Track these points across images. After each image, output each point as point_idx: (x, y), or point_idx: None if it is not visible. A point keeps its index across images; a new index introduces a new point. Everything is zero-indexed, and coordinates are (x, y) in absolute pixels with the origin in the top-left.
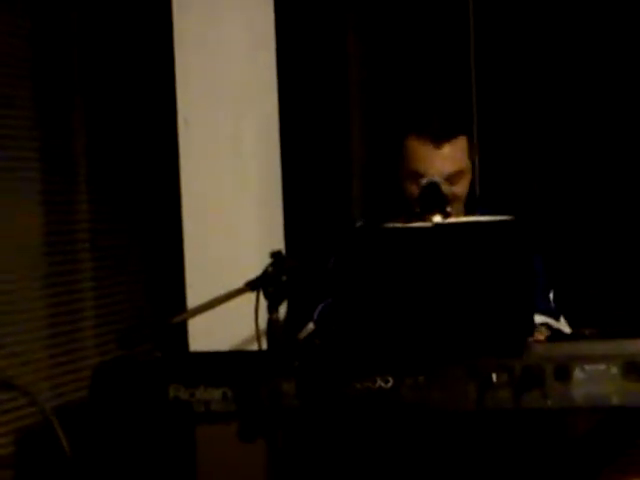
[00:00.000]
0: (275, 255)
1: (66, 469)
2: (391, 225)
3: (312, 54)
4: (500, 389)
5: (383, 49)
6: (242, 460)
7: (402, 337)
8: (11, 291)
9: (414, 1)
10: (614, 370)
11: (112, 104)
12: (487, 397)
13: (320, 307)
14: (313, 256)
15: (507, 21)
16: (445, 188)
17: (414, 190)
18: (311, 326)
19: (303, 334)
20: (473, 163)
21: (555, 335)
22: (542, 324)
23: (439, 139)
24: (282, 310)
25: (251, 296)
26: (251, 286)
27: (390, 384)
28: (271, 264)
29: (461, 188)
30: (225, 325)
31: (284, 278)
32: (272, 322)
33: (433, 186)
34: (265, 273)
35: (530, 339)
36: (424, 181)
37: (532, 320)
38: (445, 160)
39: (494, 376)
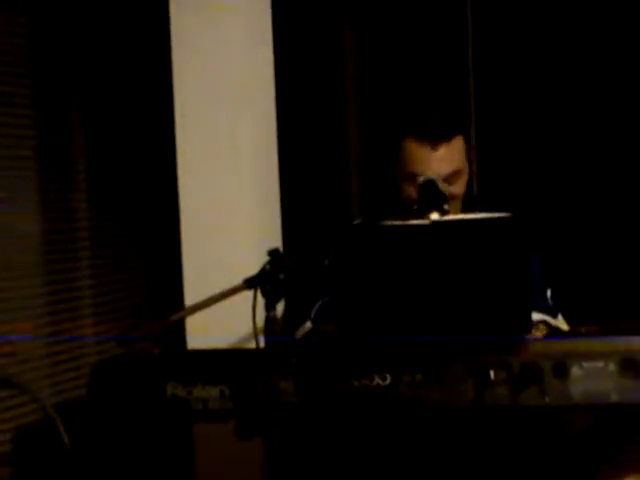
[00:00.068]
0: (272, 253)
1: (67, 465)
2: (388, 222)
3: (309, 53)
4: (498, 386)
5: (380, 48)
6: (240, 458)
7: (400, 334)
8: (10, 288)
9: (411, 0)
10: (612, 367)
11: (110, 103)
12: (485, 394)
13: (317, 305)
14: (310, 254)
15: (504, 19)
16: (442, 188)
17: (411, 191)
18: (308, 324)
19: (300, 332)
20: (470, 162)
21: (553, 332)
22: (540, 321)
23: (435, 140)
24: (279, 308)
25: (248, 294)
26: (248, 284)
27: (388, 381)
28: (268, 262)
29: (458, 188)
30: (223, 323)
31: (281, 276)
32: (269, 320)
33: (430, 184)
34: (262, 271)
35: (528, 336)
36: (421, 179)
37: (530, 317)
38: (442, 161)
39: (492, 373)
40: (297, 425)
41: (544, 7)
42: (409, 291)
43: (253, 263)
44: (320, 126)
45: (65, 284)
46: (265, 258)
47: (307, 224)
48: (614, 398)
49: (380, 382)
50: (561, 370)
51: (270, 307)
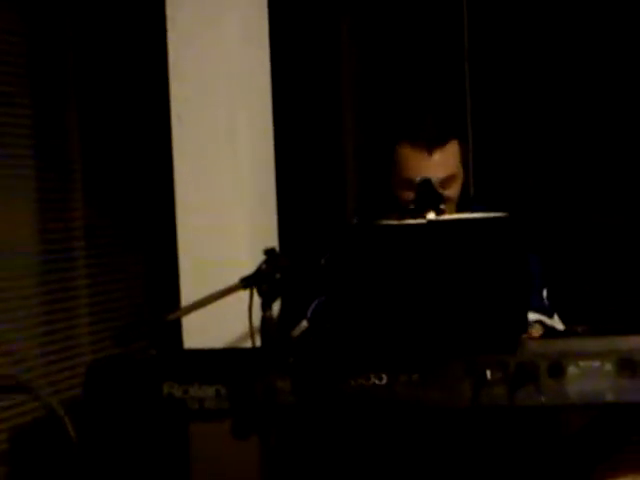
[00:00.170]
0: (269, 252)
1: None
2: (385, 222)
3: (306, 52)
4: (494, 386)
5: (376, 47)
6: (236, 457)
7: (396, 334)
8: (6, 288)
9: (408, 2)
10: (608, 367)
11: (106, 101)
12: (481, 394)
13: (314, 304)
14: (307, 254)
15: (501, 21)
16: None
17: (408, 196)
18: (305, 324)
19: (297, 332)
20: (466, 165)
21: (549, 332)
22: (536, 321)
23: (430, 146)
24: (276, 307)
25: (245, 294)
26: (245, 283)
27: (384, 381)
28: (265, 261)
29: (453, 191)
30: (219, 322)
31: (278, 276)
32: (266, 319)
33: (427, 183)
34: (259, 270)
35: (524, 336)
36: (418, 178)
37: (526, 317)
38: (437, 166)
39: (488, 373)
40: (294, 425)
41: (540, 9)
42: (405, 291)
43: (249, 263)
44: (317, 126)
45: (61, 283)
46: (261, 257)
47: (303, 224)
48: (610, 397)
49: (376, 382)
50: (557, 370)
51: (266, 306)
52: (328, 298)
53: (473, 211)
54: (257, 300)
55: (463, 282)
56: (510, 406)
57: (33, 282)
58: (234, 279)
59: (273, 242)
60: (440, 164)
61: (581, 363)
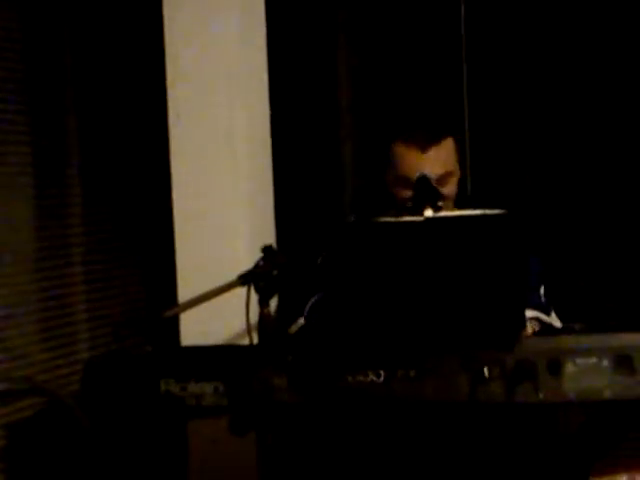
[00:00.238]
0: (266, 250)
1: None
2: (382, 219)
3: (303, 51)
4: (492, 383)
5: (373, 46)
6: (233, 454)
7: (394, 331)
8: (4, 286)
9: (405, 2)
10: (605, 363)
11: (103, 101)
12: (479, 391)
13: (311, 302)
14: (304, 251)
15: (498, 19)
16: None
17: (405, 194)
18: (302, 321)
19: (294, 329)
20: (462, 163)
21: (546, 329)
22: (533, 318)
23: (425, 143)
24: (273, 304)
25: (242, 291)
26: (242, 280)
27: (382, 378)
28: (262, 258)
29: (449, 189)
30: (216, 319)
31: (275, 272)
32: (263, 316)
33: (424, 180)
34: (256, 267)
35: (522, 333)
36: (416, 174)
37: (524, 314)
38: (432, 164)
39: (486, 370)
40: (291, 421)
41: (537, 8)
42: (403, 288)
43: (247, 260)
44: (314, 124)
45: (59, 280)
46: (259, 255)
47: (301, 221)
48: (608, 394)
49: (374, 378)
50: (555, 367)
51: (264, 303)
52: (326, 295)
53: (471, 209)
54: (254, 297)
55: (461, 279)
56: (508, 403)
57: (31, 279)
58: (231, 276)
59: (270, 240)
60: (435, 161)
61: (579, 360)
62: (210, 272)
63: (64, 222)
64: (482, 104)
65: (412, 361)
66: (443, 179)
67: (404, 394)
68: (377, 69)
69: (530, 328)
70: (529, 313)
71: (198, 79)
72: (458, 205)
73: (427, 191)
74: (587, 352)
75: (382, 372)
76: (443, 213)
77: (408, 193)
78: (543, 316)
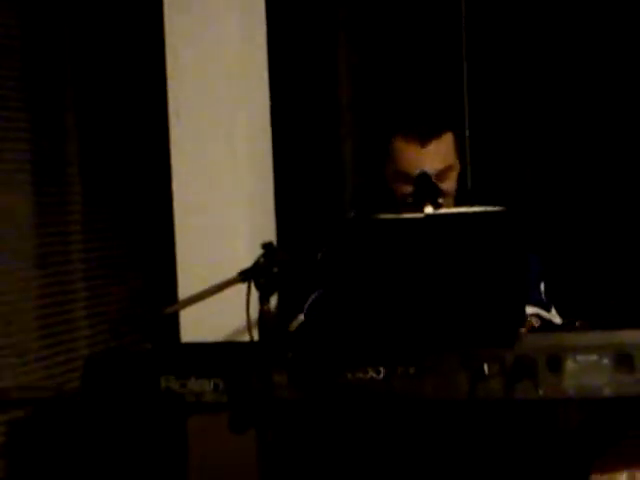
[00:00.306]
0: (266, 246)
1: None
2: (382, 216)
3: (303, 49)
4: (492, 379)
5: (374, 43)
6: (233, 451)
7: (394, 328)
8: (4, 283)
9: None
10: (606, 361)
11: (103, 99)
12: (479, 387)
13: (311, 298)
14: (304, 247)
15: (498, 13)
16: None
17: (405, 189)
18: (301, 317)
19: (294, 325)
20: (462, 158)
21: (546, 326)
22: (533, 315)
23: (424, 138)
24: (273, 301)
25: (242, 287)
26: (243, 277)
27: (382, 375)
28: (262, 255)
29: (449, 184)
30: (216, 316)
31: (275, 269)
32: (263, 313)
33: (425, 177)
34: (256, 264)
35: (522, 330)
36: (416, 171)
37: (524, 311)
38: (432, 158)
39: (486, 367)
40: (291, 418)
41: (537, 1)
42: (403, 284)
43: (247, 257)
44: (314, 122)
45: (58, 277)
46: (259, 251)
47: (301, 218)
48: (608, 392)
49: (374, 375)
50: (555, 363)
51: (264, 300)
52: (326, 291)
53: (471, 205)
54: (255, 294)
55: (461, 276)
56: (508, 400)
57: (30, 276)
58: (232, 273)
59: (271, 237)
60: (435, 156)
61: (579, 357)
62: (210, 269)
63: (64, 219)
64: (482, 101)
65: (412, 358)
66: (443, 174)
67: (404, 391)
68: (377, 67)
69: (529, 324)
70: (529, 309)
71: (198, 77)
72: (458, 201)
73: (427, 188)
74: (587, 349)
75: (382, 369)
76: (443, 210)
77: (408, 189)
78: (543, 312)
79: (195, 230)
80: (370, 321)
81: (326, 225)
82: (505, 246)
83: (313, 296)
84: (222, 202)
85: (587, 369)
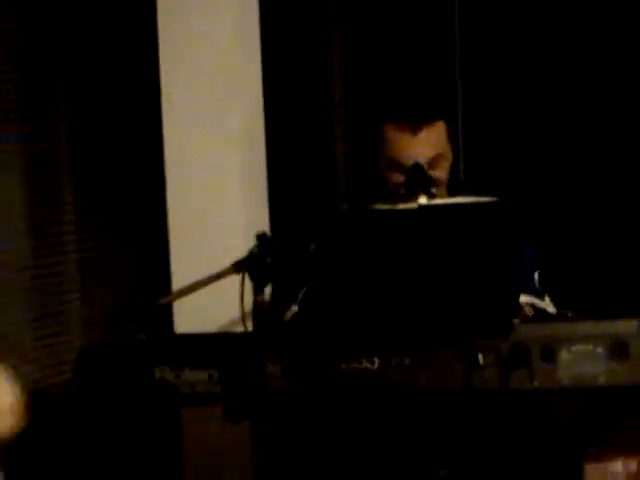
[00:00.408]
0: (260, 237)
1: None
2: (376, 207)
3: (297, 45)
4: (487, 369)
5: (367, 35)
6: (228, 441)
7: (388, 318)
8: None
9: None
10: (600, 350)
11: (97, 96)
12: (474, 378)
13: (304, 289)
14: (298, 238)
15: (491, 5)
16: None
17: (396, 178)
18: (295, 308)
19: (288, 316)
20: (454, 147)
21: (540, 315)
22: (527, 304)
23: (416, 125)
24: (267, 292)
25: (236, 278)
26: (236, 268)
27: (376, 365)
28: (256, 246)
29: (441, 172)
30: (211, 307)
31: (269, 260)
32: (258, 304)
33: (418, 167)
34: (250, 255)
35: (516, 320)
36: (410, 162)
37: (518, 301)
38: (423, 146)
39: (481, 357)
40: (285, 408)
41: None
42: (397, 275)
43: (241, 247)
44: (307, 112)
45: (51, 268)
46: (253, 242)
47: (295, 209)
48: (602, 381)
49: (368, 366)
50: (549, 353)
51: (258, 291)
52: (320, 282)
53: (464, 196)
54: (249, 284)
55: (455, 266)
56: (502, 390)
57: (24, 267)
58: (225, 264)
59: (264, 228)
60: (426, 143)
61: (573, 347)
62: (204, 260)
63: (57, 209)
64: (475, 92)
65: (407, 348)
66: (435, 161)
67: (398, 381)
68: (370, 57)
69: (523, 313)
70: (523, 298)
71: (192, 74)
72: (451, 191)
73: (420, 178)
74: (582, 339)
75: (376, 360)
76: (437, 201)
77: (400, 178)
78: (537, 301)
79: (189, 221)
80: (364, 311)
81: (320, 216)
82: (499, 236)
83: (306, 287)
84: (216, 193)
85: (581, 359)
